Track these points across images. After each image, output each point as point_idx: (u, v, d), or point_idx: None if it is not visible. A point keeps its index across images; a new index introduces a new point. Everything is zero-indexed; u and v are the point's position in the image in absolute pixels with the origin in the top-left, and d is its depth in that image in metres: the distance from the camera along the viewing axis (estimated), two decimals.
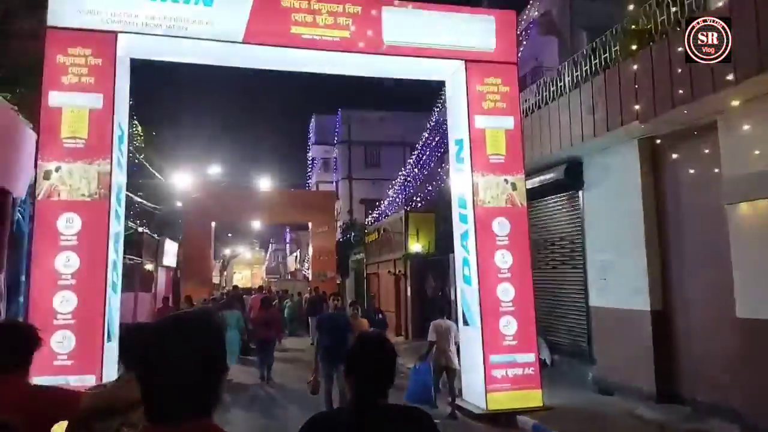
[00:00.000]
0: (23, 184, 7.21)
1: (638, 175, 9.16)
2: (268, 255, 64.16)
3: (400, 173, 24.62)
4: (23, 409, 2.29)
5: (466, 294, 9.26)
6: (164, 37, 8.09)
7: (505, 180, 9.13)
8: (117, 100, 7.87)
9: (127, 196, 9.15)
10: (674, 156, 8.78)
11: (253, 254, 58.40)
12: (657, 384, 8.71)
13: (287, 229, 50.09)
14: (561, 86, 10.87)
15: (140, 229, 17.63)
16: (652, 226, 9.08)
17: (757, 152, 6.95)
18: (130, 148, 12.31)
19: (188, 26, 8.12)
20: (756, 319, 6.97)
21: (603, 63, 9.71)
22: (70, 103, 7.60)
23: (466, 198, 9.23)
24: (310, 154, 41.64)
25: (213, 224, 26.40)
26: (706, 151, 7.99)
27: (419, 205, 20.88)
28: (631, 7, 9.22)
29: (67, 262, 7.27)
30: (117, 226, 7.97)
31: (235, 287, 25.01)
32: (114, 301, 7.78)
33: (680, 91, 7.47)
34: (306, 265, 35.97)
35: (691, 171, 8.44)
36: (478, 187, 9.04)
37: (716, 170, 7.65)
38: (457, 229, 9.62)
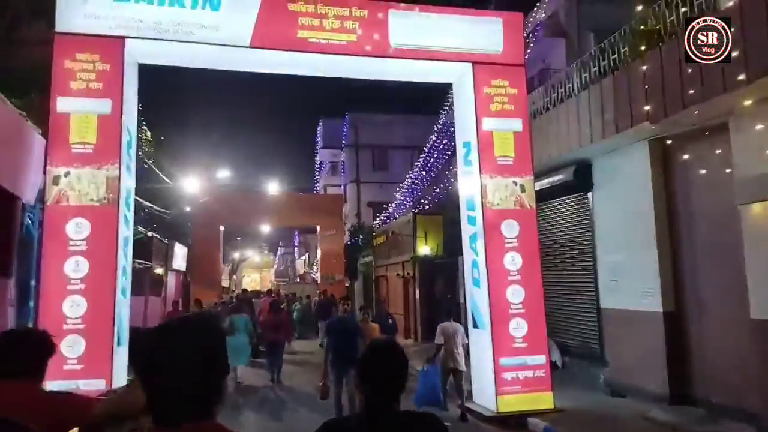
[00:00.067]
0: (32, 189, 7.24)
1: (649, 176, 9.09)
2: (277, 258, 64.24)
3: (407, 176, 24.59)
4: (39, 415, 2.29)
5: (476, 296, 9.22)
6: (172, 41, 8.12)
7: (514, 182, 9.09)
8: (125, 105, 7.90)
9: (136, 200, 9.17)
10: (685, 157, 8.70)
11: (262, 257, 58.58)
12: (670, 386, 8.63)
13: (296, 233, 50.13)
14: (569, 88, 10.83)
15: (150, 234, 17.69)
16: (663, 226, 9.00)
17: None
18: (139, 153, 12.36)
19: (195, 31, 8.14)
20: None
21: (612, 64, 9.66)
22: (78, 109, 7.63)
23: (475, 200, 9.19)
24: (317, 158, 41.67)
25: (222, 228, 26.51)
26: (718, 151, 7.92)
27: (427, 207, 20.84)
28: (639, 7, 9.17)
29: (76, 267, 7.29)
30: (126, 231, 7.99)
31: (245, 291, 25.09)
32: (123, 305, 7.80)
33: (691, 92, 7.41)
34: (315, 268, 36.02)
35: (703, 172, 8.37)
36: (487, 189, 9.00)
37: (728, 171, 7.58)
38: (466, 231, 9.59)
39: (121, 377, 7.40)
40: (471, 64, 9.19)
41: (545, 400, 8.64)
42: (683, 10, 7.98)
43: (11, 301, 6.74)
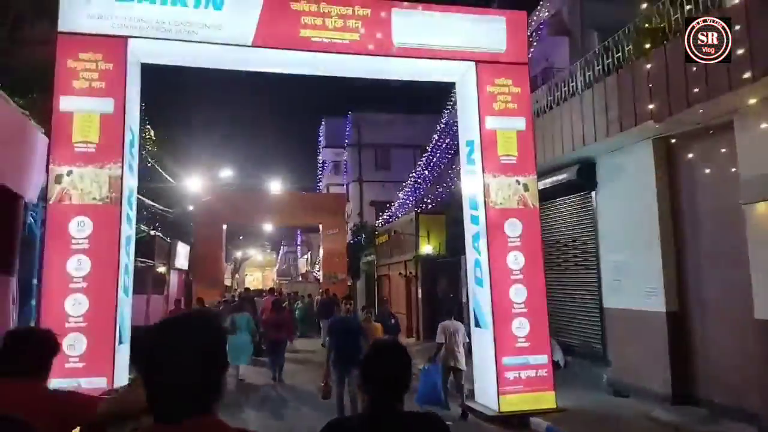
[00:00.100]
0: (35, 188, 7.24)
1: (653, 175, 9.05)
2: (279, 257, 64.35)
3: (410, 175, 24.58)
4: (43, 414, 2.31)
5: (478, 296, 9.20)
6: (174, 41, 8.11)
7: (517, 181, 9.07)
8: (128, 105, 7.89)
9: (138, 199, 9.18)
10: (689, 156, 8.67)
11: (264, 256, 58.72)
12: (673, 386, 8.60)
13: (298, 232, 50.19)
14: (573, 86, 10.79)
15: (152, 232, 17.71)
16: (667, 226, 8.97)
17: None
18: (142, 152, 12.36)
19: (198, 30, 8.13)
20: None
21: (616, 62, 9.62)
22: (81, 108, 7.63)
23: (478, 199, 9.17)
24: (320, 157, 41.71)
25: (224, 227, 26.53)
26: (723, 150, 7.89)
27: (430, 206, 20.83)
28: (643, 5, 9.13)
29: (78, 266, 7.30)
30: (128, 230, 7.99)
31: (247, 289, 25.10)
32: (126, 303, 7.81)
33: (696, 90, 7.38)
34: (317, 267, 36.03)
35: (707, 171, 8.34)
36: (490, 188, 8.98)
37: (733, 170, 7.54)
38: (469, 230, 9.57)
39: (122, 375, 7.41)
40: (474, 62, 9.17)
41: (547, 399, 8.62)
42: (688, 7, 7.93)
43: (13, 299, 6.74)
